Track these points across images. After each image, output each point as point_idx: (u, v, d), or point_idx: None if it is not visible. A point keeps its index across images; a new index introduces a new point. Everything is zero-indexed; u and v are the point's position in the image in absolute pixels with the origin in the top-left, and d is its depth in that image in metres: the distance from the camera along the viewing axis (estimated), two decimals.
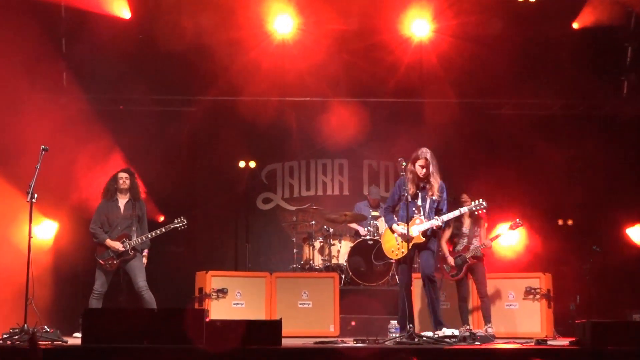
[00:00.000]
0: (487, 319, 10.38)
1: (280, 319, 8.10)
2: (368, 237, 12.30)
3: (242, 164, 14.01)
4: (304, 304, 11.14)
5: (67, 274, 12.28)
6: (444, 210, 9.49)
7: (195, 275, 11.39)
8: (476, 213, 9.83)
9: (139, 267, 10.21)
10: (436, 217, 9.37)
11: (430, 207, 9.41)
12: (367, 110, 13.75)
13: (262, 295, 11.13)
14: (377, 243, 11.91)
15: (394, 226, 9.49)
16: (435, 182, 9.39)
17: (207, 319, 7.70)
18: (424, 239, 9.40)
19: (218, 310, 10.80)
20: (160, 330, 7.54)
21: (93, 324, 7.69)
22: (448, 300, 11.13)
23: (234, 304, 11.03)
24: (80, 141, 12.12)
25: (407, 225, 9.16)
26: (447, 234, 10.69)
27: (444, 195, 9.48)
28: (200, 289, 11.08)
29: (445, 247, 10.65)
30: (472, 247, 10.48)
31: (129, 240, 10.18)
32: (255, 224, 14.17)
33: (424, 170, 9.36)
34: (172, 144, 13.57)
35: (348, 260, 12.19)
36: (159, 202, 12.76)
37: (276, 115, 13.65)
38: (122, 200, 10.40)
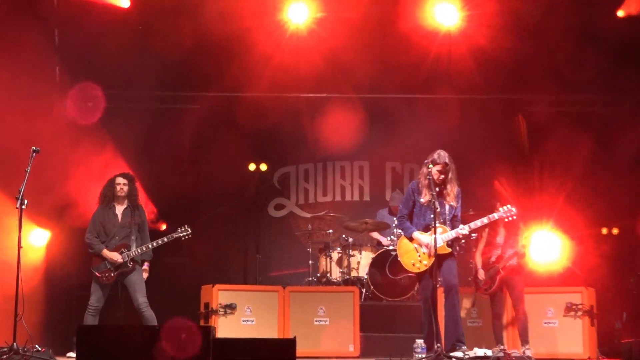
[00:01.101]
0: (525, 340, 10.26)
1: (295, 337, 8.09)
2: (391, 248, 12.26)
3: (251, 166, 14.04)
4: (320, 321, 11.12)
5: (60, 287, 12.31)
6: (459, 217, 9.49)
7: (201, 289, 11.40)
8: (506, 220, 9.76)
9: (138, 282, 10.20)
10: (462, 225, 9.36)
11: (449, 214, 9.41)
12: (390, 107, 13.76)
13: (274, 311, 11.11)
14: None
15: (416, 235, 9.40)
16: (453, 187, 9.41)
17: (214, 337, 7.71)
18: (449, 249, 9.40)
19: (226, 328, 10.80)
20: (162, 349, 7.55)
21: (88, 342, 7.71)
22: (480, 317, 11.08)
23: (244, 320, 11.03)
24: (74, 142, 12.16)
25: (435, 233, 9.11)
26: (481, 245, 10.65)
27: (460, 202, 9.49)
28: (207, 304, 11.08)
29: (478, 260, 10.60)
30: (505, 257, 10.43)
31: (128, 250, 10.18)
32: (266, 232, 14.20)
33: (442, 175, 9.36)
34: (174, 145, 13.61)
35: (369, 273, 12.18)
36: (160, 209, 12.76)
37: (289, 113, 13.67)
38: (120, 207, 10.40)
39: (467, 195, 9.88)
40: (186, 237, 10.50)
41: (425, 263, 9.34)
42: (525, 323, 10.37)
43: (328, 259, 12.62)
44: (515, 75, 13.04)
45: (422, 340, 9.17)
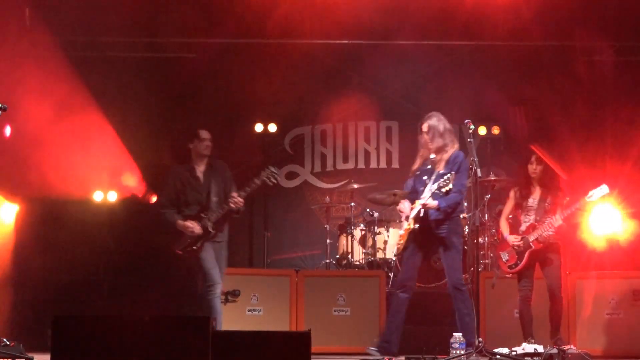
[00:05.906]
0: (556, 328, 9.98)
1: (309, 330, 8.15)
2: None
3: (258, 127, 14.06)
4: (340, 311, 11.22)
5: (33, 271, 12.39)
6: (460, 189, 9.67)
7: None
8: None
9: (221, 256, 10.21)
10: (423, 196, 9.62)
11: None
12: (423, 56, 13.73)
13: (285, 299, 11.21)
14: None
15: (400, 206, 9.89)
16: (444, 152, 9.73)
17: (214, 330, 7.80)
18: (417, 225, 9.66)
19: (228, 319, 10.85)
20: (153, 343, 7.63)
21: (66, 336, 7.79)
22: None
23: (249, 310, 11.14)
24: (47, 97, 12.20)
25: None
26: (509, 208, 10.35)
27: (461, 169, 9.62)
28: None
29: (504, 226, 10.34)
30: (540, 226, 9.98)
31: (208, 216, 10.13)
32: (276, 206, 14.24)
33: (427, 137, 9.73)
34: (166, 102, 13.65)
35: (398, 255, 12.25)
36: (150, 178, 12.82)
37: (303, 64, 13.67)
38: (199, 168, 10.38)
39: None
40: (273, 180, 10.40)
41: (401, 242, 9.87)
42: (560, 309, 10.06)
43: (349, 238, 12.69)
44: (574, 17, 12.95)
45: (460, 334, 9.20)
